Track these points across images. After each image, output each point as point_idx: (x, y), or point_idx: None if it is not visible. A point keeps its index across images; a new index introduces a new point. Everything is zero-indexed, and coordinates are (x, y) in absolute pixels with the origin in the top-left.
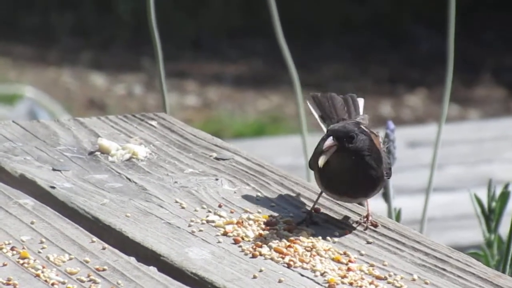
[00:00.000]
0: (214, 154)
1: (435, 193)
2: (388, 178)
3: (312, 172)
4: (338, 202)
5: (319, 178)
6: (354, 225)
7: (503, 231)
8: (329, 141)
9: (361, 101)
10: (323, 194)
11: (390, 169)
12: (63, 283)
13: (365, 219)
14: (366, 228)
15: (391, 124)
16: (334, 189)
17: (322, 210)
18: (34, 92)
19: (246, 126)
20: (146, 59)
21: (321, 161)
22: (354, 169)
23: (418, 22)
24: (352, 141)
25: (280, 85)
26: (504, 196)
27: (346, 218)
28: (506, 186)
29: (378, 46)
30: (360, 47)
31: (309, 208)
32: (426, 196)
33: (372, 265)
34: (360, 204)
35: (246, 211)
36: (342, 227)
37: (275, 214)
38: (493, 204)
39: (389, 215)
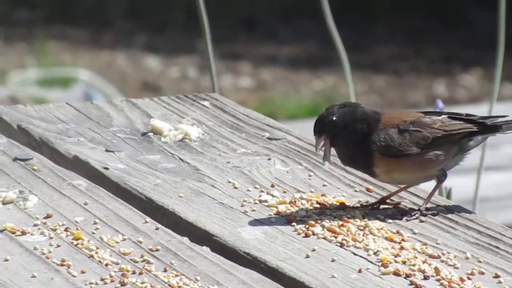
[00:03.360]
0: (267, 134)
1: (489, 172)
2: (381, 153)
3: None
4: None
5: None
6: (402, 216)
7: None
8: (317, 140)
9: None
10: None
11: (385, 144)
12: (117, 263)
13: (416, 212)
14: (408, 220)
15: (439, 103)
16: (345, 164)
17: (374, 189)
18: (89, 75)
19: (300, 107)
20: (201, 41)
21: (326, 161)
22: (345, 146)
23: (473, 2)
24: (336, 123)
25: (335, 66)
26: None
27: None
28: None
29: (432, 27)
30: (414, 28)
31: (363, 189)
32: (478, 175)
33: (425, 244)
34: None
35: (298, 191)
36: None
37: (328, 193)
38: None
39: (440, 194)
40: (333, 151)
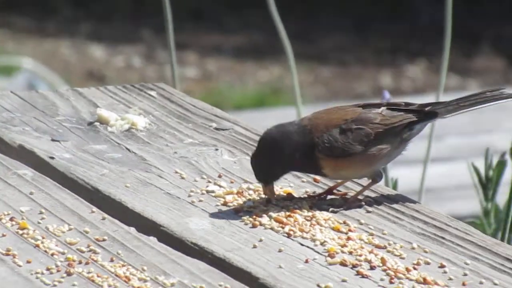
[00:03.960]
0: (214, 124)
1: (434, 163)
2: (326, 155)
3: None
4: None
5: None
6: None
7: (500, 200)
8: (265, 188)
9: None
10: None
11: (330, 146)
12: (63, 253)
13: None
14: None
15: (386, 94)
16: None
17: (321, 180)
18: (33, 64)
19: (246, 97)
20: (146, 30)
21: (271, 197)
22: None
23: None
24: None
25: (280, 56)
26: (501, 165)
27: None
28: (503, 155)
29: (377, 18)
30: (360, 19)
31: (310, 179)
32: (424, 166)
33: (371, 234)
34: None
35: (246, 181)
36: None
37: (275, 184)
38: (490, 173)
39: (386, 185)
40: None
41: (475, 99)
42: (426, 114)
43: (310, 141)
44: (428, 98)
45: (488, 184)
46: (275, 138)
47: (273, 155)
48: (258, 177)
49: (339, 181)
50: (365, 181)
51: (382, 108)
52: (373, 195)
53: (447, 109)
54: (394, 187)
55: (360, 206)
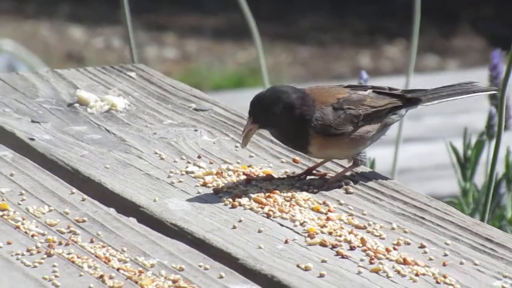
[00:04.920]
0: (193, 105)
1: (412, 143)
2: (317, 132)
3: None
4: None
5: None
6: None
7: (479, 179)
8: (247, 124)
9: None
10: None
11: (322, 123)
12: (43, 234)
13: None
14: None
15: (364, 74)
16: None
17: (301, 161)
18: (12, 46)
19: (225, 78)
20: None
21: (243, 144)
22: (278, 129)
23: None
24: (265, 108)
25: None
26: (479, 144)
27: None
28: (481, 134)
29: None
30: None
31: (289, 160)
32: (396, 147)
33: (351, 215)
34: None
35: (225, 162)
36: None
37: (255, 164)
38: (469, 153)
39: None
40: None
41: (452, 89)
42: (409, 100)
43: (308, 115)
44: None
45: (466, 164)
46: (290, 95)
47: (277, 107)
48: (253, 113)
49: (318, 161)
50: (345, 163)
51: (369, 90)
52: (352, 175)
53: (428, 97)
54: (372, 167)
55: (340, 187)
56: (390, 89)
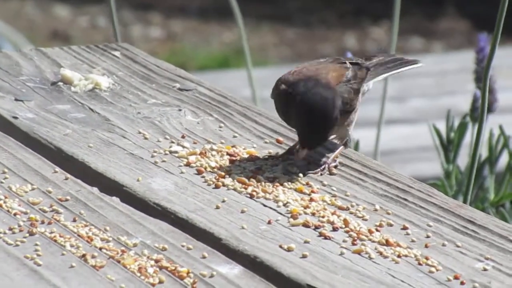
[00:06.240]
0: (177, 85)
1: (396, 125)
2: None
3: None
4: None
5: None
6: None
7: (462, 162)
8: (303, 154)
9: None
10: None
11: (342, 102)
12: (26, 213)
13: (323, 167)
14: (320, 174)
15: (349, 55)
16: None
17: (285, 141)
18: None
19: (211, 58)
20: None
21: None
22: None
23: None
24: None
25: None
26: (462, 126)
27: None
28: (464, 116)
29: None
30: None
31: (273, 140)
32: (378, 128)
33: (334, 196)
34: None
35: (209, 142)
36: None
37: (238, 144)
38: (452, 135)
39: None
40: None
41: (387, 66)
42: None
43: (338, 103)
44: None
45: (449, 146)
46: (331, 102)
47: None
48: (315, 146)
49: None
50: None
51: (347, 63)
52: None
53: (376, 70)
54: (356, 148)
55: (335, 166)
56: (356, 58)
